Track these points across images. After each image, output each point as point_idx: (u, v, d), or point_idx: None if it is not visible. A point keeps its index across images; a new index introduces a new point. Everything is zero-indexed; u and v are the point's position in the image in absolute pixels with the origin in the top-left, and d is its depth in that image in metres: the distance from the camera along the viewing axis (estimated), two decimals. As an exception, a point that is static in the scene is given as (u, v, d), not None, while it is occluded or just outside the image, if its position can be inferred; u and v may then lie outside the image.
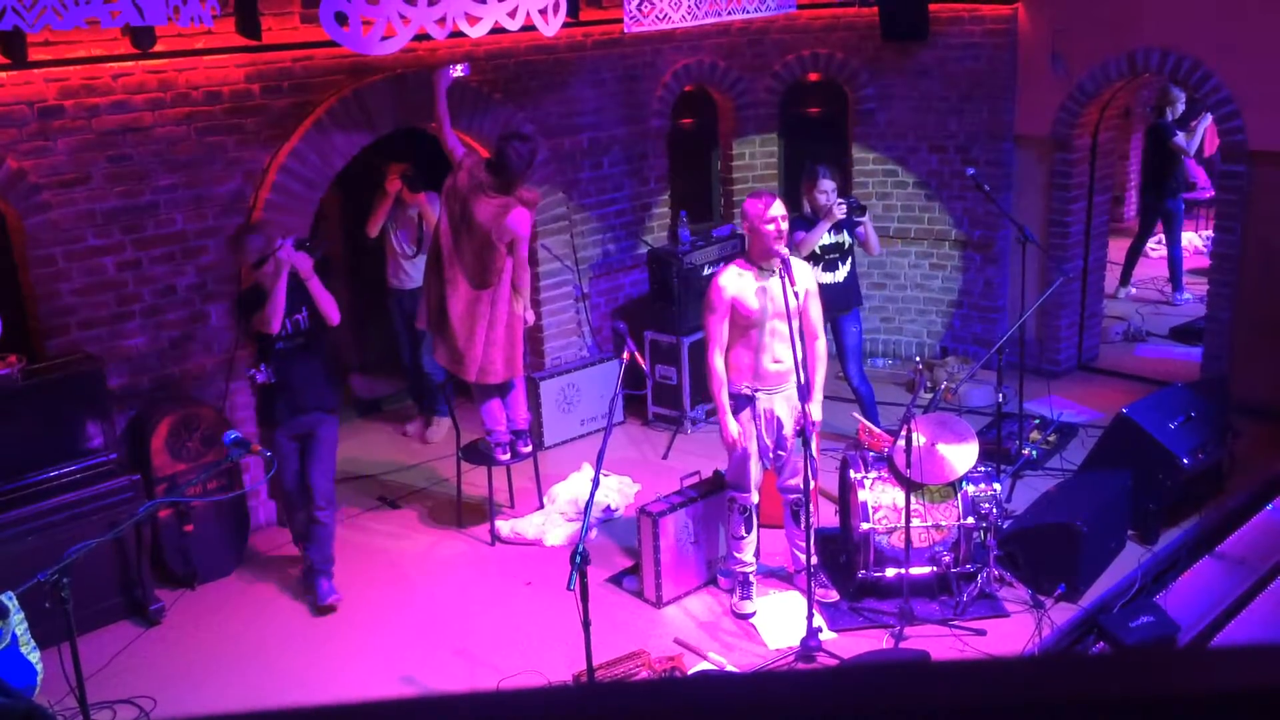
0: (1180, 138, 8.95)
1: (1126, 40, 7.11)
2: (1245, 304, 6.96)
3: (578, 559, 3.98)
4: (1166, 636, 5.05)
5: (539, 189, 6.46)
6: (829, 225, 6.28)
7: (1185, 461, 5.73)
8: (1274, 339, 6.82)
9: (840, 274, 6.53)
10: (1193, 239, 10.53)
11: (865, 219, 6.44)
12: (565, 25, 6.39)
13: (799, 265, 5.02)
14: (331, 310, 5.13)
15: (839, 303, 6.47)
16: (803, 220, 6.35)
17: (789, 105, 8.18)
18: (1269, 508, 6.18)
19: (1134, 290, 9.40)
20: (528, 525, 5.93)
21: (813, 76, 8.15)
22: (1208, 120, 8.89)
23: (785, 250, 4.88)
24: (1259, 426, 6.53)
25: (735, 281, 4.93)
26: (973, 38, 7.72)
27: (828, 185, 6.34)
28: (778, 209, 4.85)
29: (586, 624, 4.04)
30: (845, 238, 6.52)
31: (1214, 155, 9.60)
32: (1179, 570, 5.57)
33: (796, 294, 4.76)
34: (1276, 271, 6.78)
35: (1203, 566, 5.69)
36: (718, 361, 5.02)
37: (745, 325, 4.93)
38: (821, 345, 5.13)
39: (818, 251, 6.44)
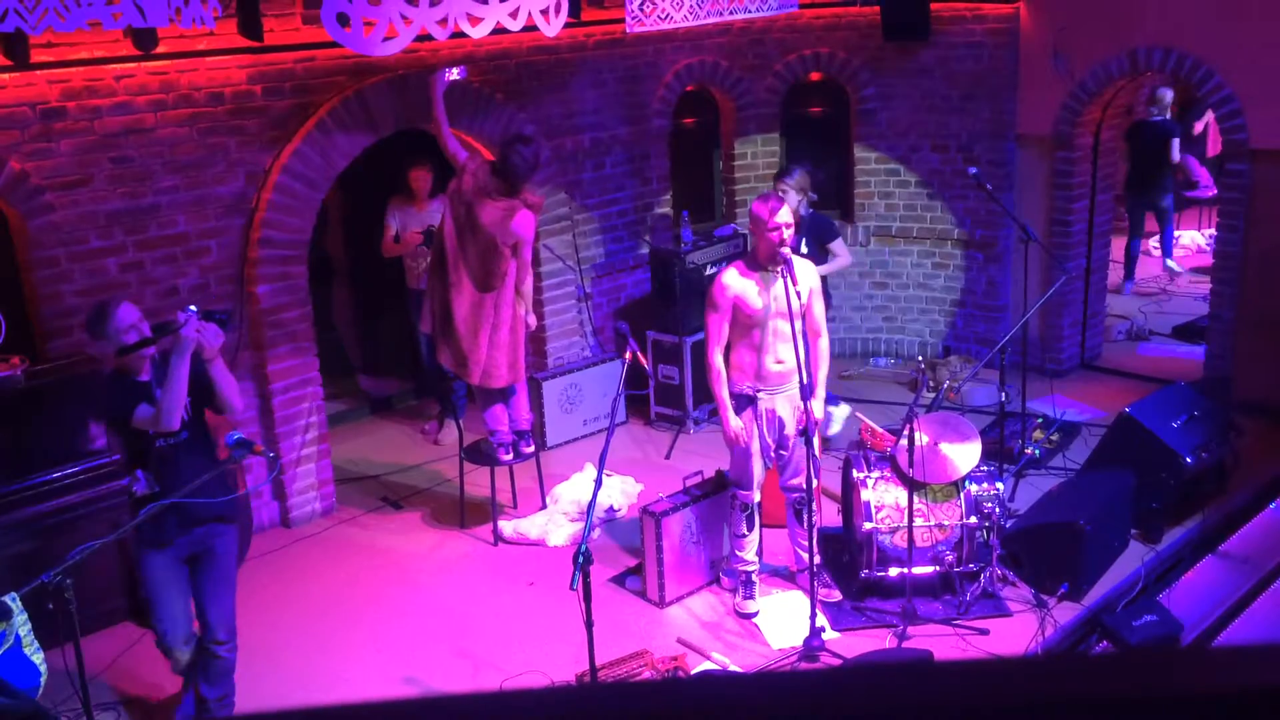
0: (1177, 146, 8.99)
1: (1128, 38, 7.11)
2: (1248, 302, 6.95)
3: (580, 559, 3.97)
4: (1169, 636, 5.04)
5: (542, 191, 6.46)
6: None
7: (1188, 460, 5.72)
8: (1277, 337, 6.81)
9: None
10: (1195, 237, 10.53)
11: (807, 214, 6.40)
12: (567, 26, 6.39)
13: (802, 264, 5.01)
14: (236, 397, 4.21)
15: None
16: None
17: (791, 105, 8.18)
18: (1272, 506, 6.17)
19: (1134, 285, 9.42)
20: (530, 525, 5.93)
21: (814, 76, 8.15)
22: (1206, 119, 8.92)
23: (788, 252, 4.88)
24: (1262, 425, 6.52)
25: (738, 281, 4.94)
26: (974, 36, 7.71)
27: (789, 182, 6.33)
28: (784, 215, 4.84)
29: (589, 624, 4.04)
30: (803, 248, 6.49)
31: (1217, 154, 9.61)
32: (1182, 569, 5.56)
33: (799, 293, 4.77)
34: (1279, 270, 6.77)
35: (1206, 565, 5.69)
36: (717, 359, 5.03)
37: (748, 325, 4.94)
38: (825, 344, 5.13)
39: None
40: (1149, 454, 5.75)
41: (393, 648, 5.04)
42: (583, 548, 3.95)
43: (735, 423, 5.02)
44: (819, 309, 5.07)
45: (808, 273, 5.00)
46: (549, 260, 7.08)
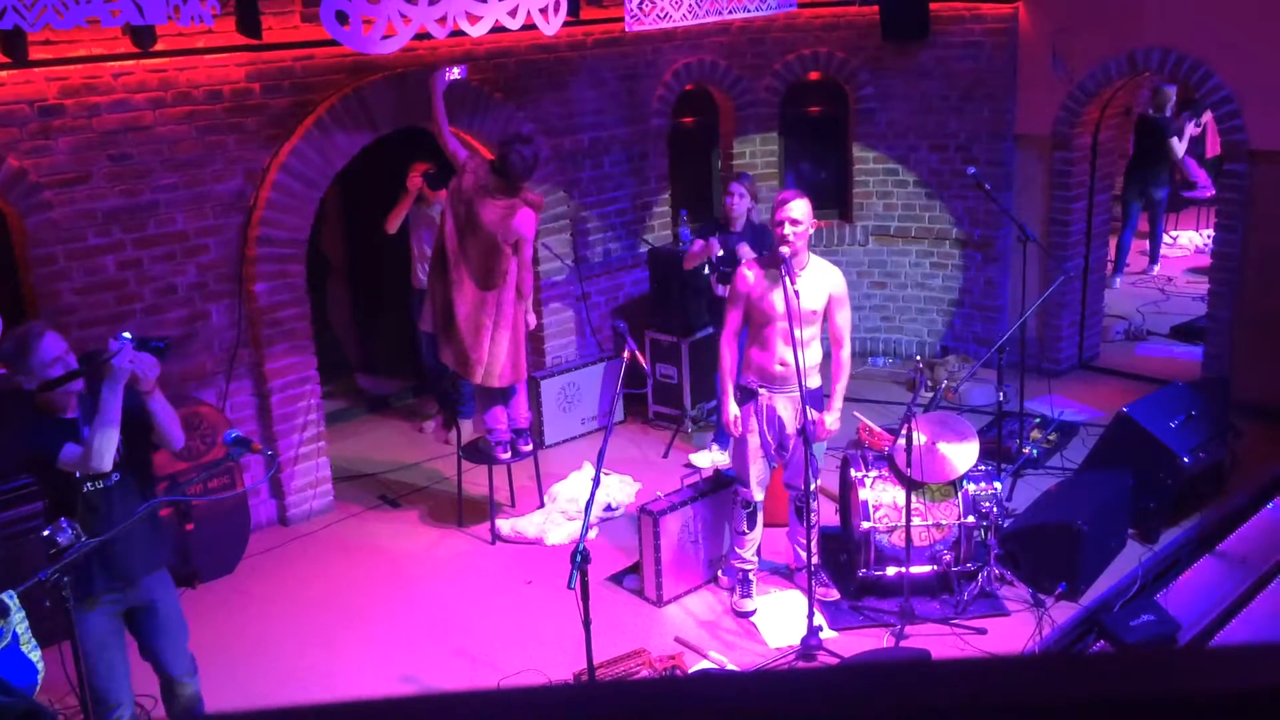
0: (1176, 142, 9.04)
1: (1127, 39, 7.11)
2: (1246, 303, 6.96)
3: (578, 558, 3.98)
4: (1167, 635, 5.05)
5: (542, 190, 6.46)
6: (708, 252, 6.25)
7: (1186, 460, 5.73)
8: (1275, 338, 6.82)
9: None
10: (1194, 238, 10.55)
11: (753, 212, 6.36)
12: (566, 24, 6.39)
13: (825, 268, 4.97)
14: (177, 430, 3.78)
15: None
16: (714, 226, 6.39)
17: (790, 104, 8.17)
18: (1269, 506, 6.18)
19: (1121, 278, 9.46)
20: (528, 524, 5.94)
21: (813, 75, 8.15)
22: (1200, 120, 8.95)
23: (786, 251, 4.89)
24: (1260, 425, 6.53)
25: (754, 275, 4.96)
26: (973, 36, 7.71)
27: (735, 189, 6.33)
28: (792, 210, 4.84)
29: (587, 623, 4.04)
30: (746, 249, 6.47)
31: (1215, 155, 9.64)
32: (1180, 569, 5.56)
33: (797, 293, 4.78)
34: (1277, 271, 6.77)
35: (1203, 565, 5.69)
36: (724, 347, 5.07)
37: (760, 321, 4.96)
38: (845, 354, 5.06)
39: (713, 262, 6.43)
40: (1147, 454, 5.76)
41: (390, 646, 5.04)
42: (580, 546, 3.95)
43: (733, 411, 5.04)
44: (842, 317, 4.99)
45: (828, 278, 4.95)
46: (547, 259, 7.07)
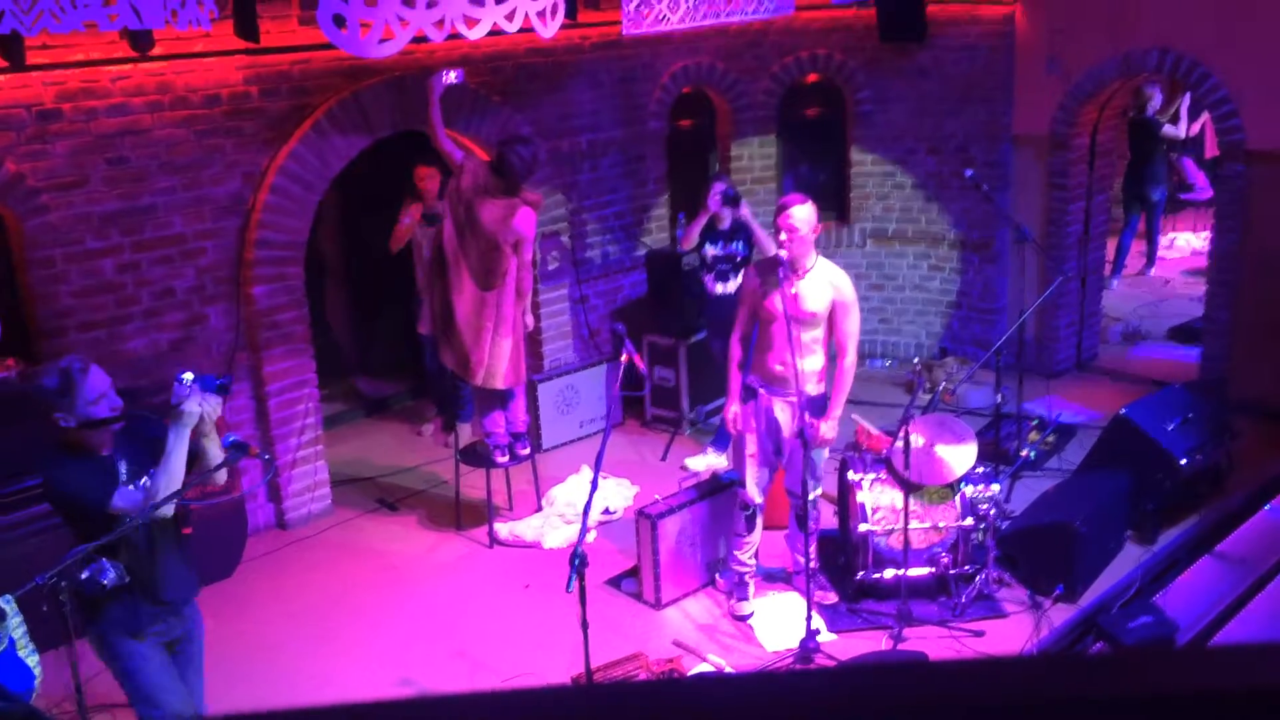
0: (1169, 128, 9.09)
1: (1123, 40, 7.12)
2: (1244, 304, 6.96)
3: (576, 561, 3.97)
4: (1165, 637, 5.04)
5: (540, 190, 6.46)
6: (705, 218, 6.37)
7: (1183, 462, 5.73)
8: (1272, 339, 6.82)
9: (732, 285, 6.48)
10: (1191, 239, 10.56)
11: (745, 216, 6.40)
12: (563, 27, 6.39)
13: (831, 274, 4.91)
14: (221, 473, 3.70)
15: (731, 315, 6.41)
16: (706, 228, 6.49)
17: (787, 107, 8.18)
18: (1267, 508, 6.17)
19: (1119, 279, 9.48)
20: (526, 528, 5.93)
21: (811, 78, 8.15)
22: (1188, 100, 8.98)
23: (783, 254, 4.89)
24: (1258, 426, 6.53)
25: (761, 275, 4.96)
26: (970, 39, 7.72)
27: (717, 187, 6.35)
28: (790, 215, 4.83)
29: (585, 626, 4.04)
30: (739, 248, 6.49)
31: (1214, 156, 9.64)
32: (1178, 570, 5.56)
33: (793, 296, 4.79)
34: (1275, 272, 6.78)
35: (1201, 566, 5.69)
36: (734, 344, 5.10)
37: (764, 321, 4.96)
38: (848, 363, 4.97)
39: (708, 261, 6.46)
40: (1144, 455, 5.76)
41: (388, 649, 5.03)
42: (578, 550, 3.95)
43: (733, 408, 5.05)
44: (848, 325, 4.92)
45: (833, 284, 4.90)
46: (546, 262, 7.08)
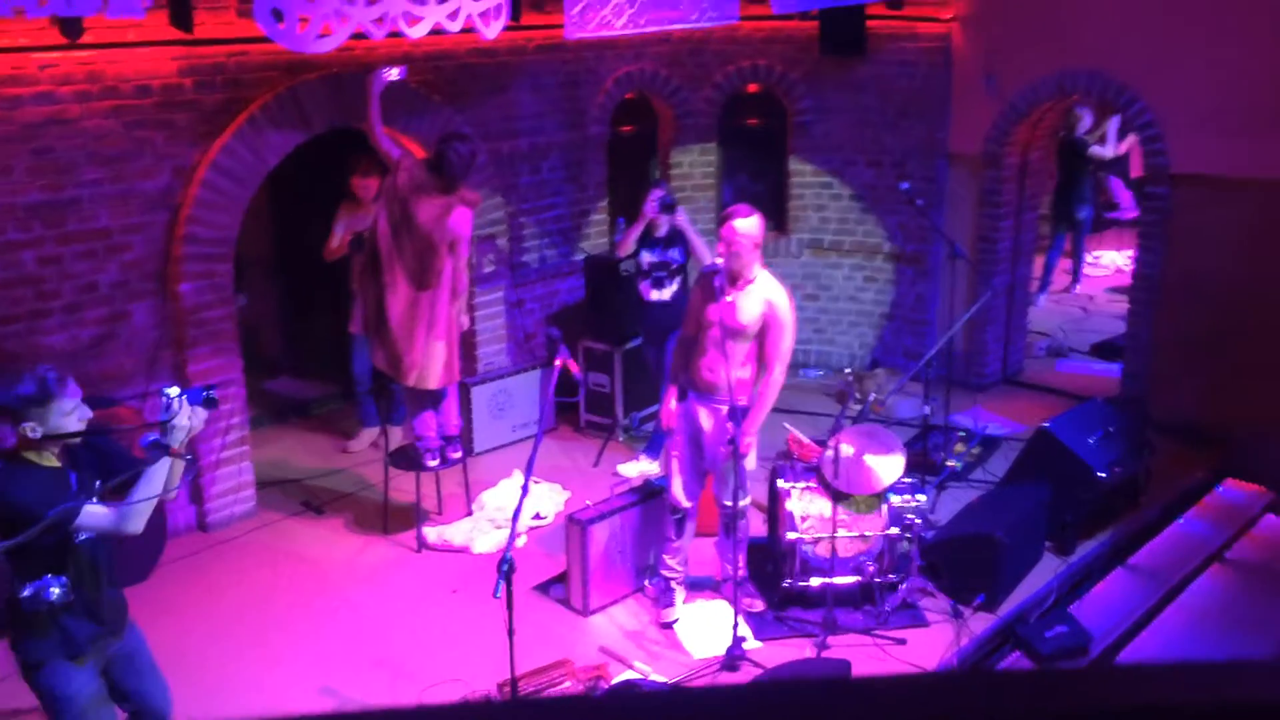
0: (1096, 148, 9.35)
1: (1057, 62, 7.29)
2: (1164, 323, 7.17)
3: (505, 567, 3.97)
4: (1079, 646, 5.18)
5: (479, 191, 6.44)
6: (642, 224, 6.41)
7: (1101, 475, 5.89)
8: (1191, 358, 7.03)
9: (667, 292, 6.55)
10: (1115, 258, 10.83)
11: (681, 223, 6.46)
12: (507, 29, 6.36)
13: (767, 289, 4.91)
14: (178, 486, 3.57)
15: (665, 322, 6.47)
16: (643, 235, 6.53)
17: (728, 116, 8.24)
18: (1180, 521, 6.37)
19: (1046, 296, 9.70)
20: (455, 532, 5.90)
21: (752, 88, 8.22)
22: (1116, 121, 9.24)
23: (719, 261, 4.95)
24: (1173, 442, 6.72)
25: (703, 282, 5.02)
26: (909, 55, 7.84)
27: (654, 194, 6.41)
28: (735, 226, 4.85)
29: (511, 633, 4.04)
30: (675, 256, 6.56)
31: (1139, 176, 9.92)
32: (1093, 581, 5.71)
33: (728, 305, 4.84)
34: (1195, 292, 6.98)
35: (1116, 578, 5.85)
36: (677, 346, 5.20)
37: (700, 328, 5.00)
38: (774, 379, 4.95)
39: (644, 268, 6.51)
40: (1065, 468, 5.90)
41: (310, 657, 4.97)
42: (506, 555, 3.94)
43: (668, 407, 5.11)
44: (779, 342, 4.92)
45: (767, 299, 4.90)
46: (482, 264, 7.05)
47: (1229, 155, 6.71)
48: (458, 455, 6.05)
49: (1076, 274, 10.10)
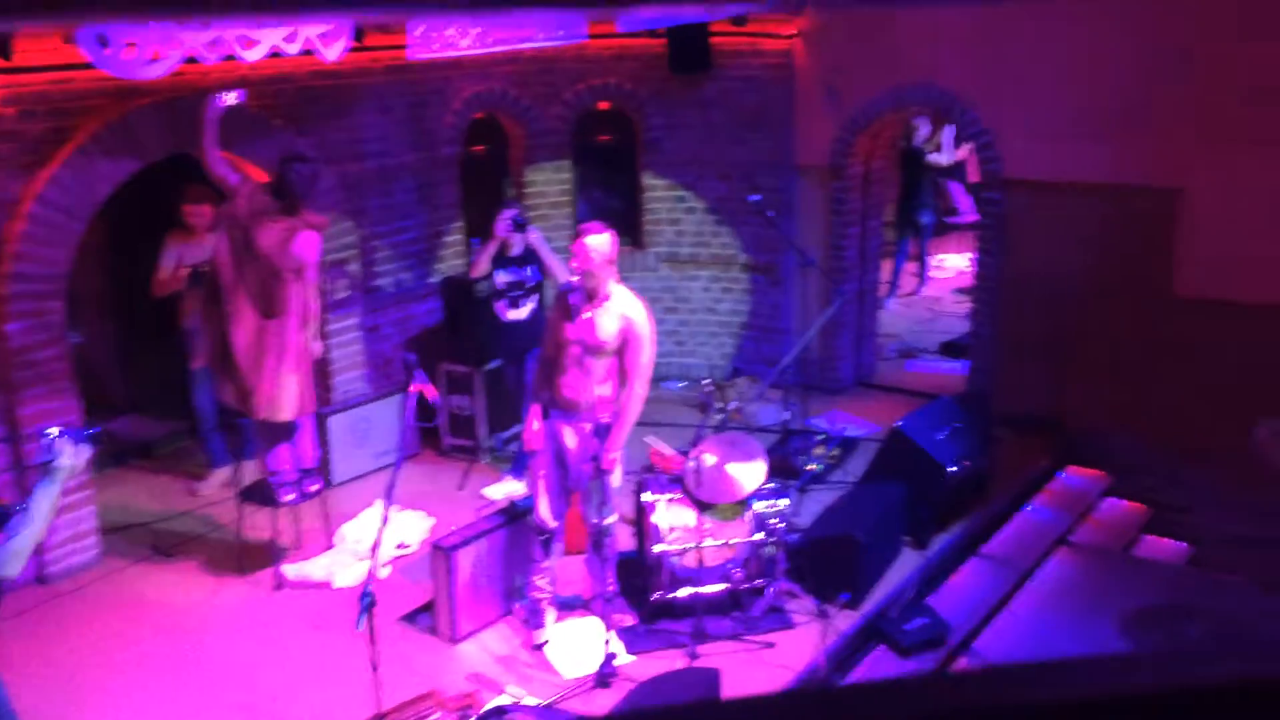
0: (933, 156, 9.78)
1: (893, 77, 7.58)
2: (1004, 321, 7.52)
3: (365, 599, 3.89)
4: (938, 637, 5.37)
5: (326, 215, 6.29)
6: (495, 244, 6.43)
7: (952, 470, 6.13)
8: (1030, 353, 7.38)
9: (524, 311, 6.59)
10: (957, 261, 11.32)
11: (534, 241, 6.52)
12: (351, 50, 6.26)
13: (626, 305, 4.92)
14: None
15: (524, 341, 6.52)
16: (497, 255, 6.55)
17: (581, 133, 8.28)
18: (1027, 509, 6.69)
19: (895, 300, 10.08)
20: (315, 567, 5.73)
21: (603, 105, 8.29)
22: (952, 130, 9.69)
23: (574, 278, 4.96)
24: (1016, 434, 7.04)
25: (560, 299, 5.02)
26: (753, 71, 8.04)
27: (505, 213, 6.45)
28: (588, 243, 4.86)
29: (375, 666, 3.95)
30: (530, 274, 6.60)
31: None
32: (949, 572, 5.93)
33: (584, 323, 4.85)
34: (1031, 291, 7.34)
35: (970, 567, 6.09)
36: (538, 366, 5.17)
37: (559, 346, 4.99)
38: (633, 394, 4.94)
39: (500, 288, 6.55)
40: (917, 465, 6.12)
41: (167, 707, 4.73)
42: (367, 588, 3.85)
43: (531, 427, 5.09)
44: (638, 357, 4.92)
45: (625, 315, 4.90)
46: (334, 290, 6.88)
47: (1056, 160, 7.09)
48: (316, 488, 5.87)
49: (922, 277, 10.51)
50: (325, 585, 5.64)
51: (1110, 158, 6.91)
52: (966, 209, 11.17)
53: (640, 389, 5.01)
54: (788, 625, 5.33)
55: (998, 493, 6.57)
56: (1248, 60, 6.38)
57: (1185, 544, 6.85)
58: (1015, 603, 5.99)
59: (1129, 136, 6.82)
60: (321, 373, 6.78)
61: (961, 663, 5.41)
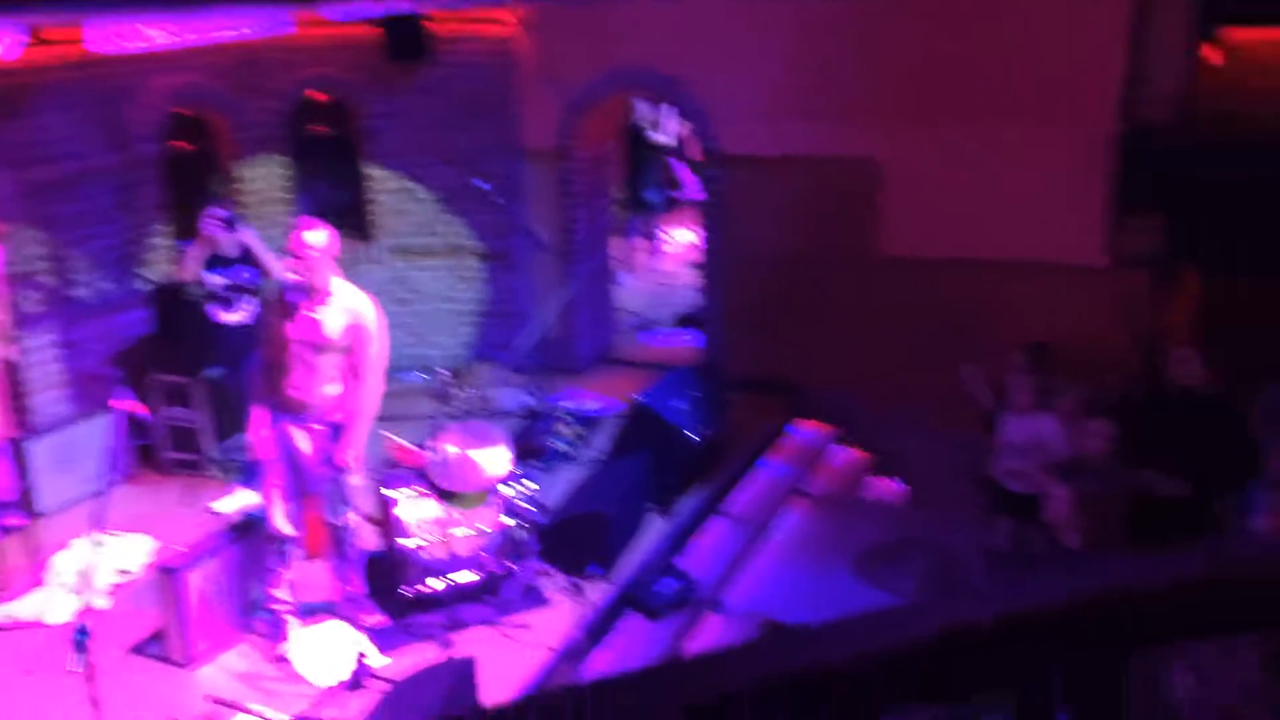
0: (655, 136, 10.11)
1: (611, 60, 7.74)
2: (731, 291, 7.86)
3: (78, 635, 3.61)
4: (687, 596, 5.57)
5: (6, 223, 5.73)
6: (204, 245, 6.27)
7: (691, 436, 6.36)
8: (756, 320, 7.76)
9: (240, 314, 6.43)
10: (687, 235, 11.71)
11: (247, 240, 6.36)
12: (27, 45, 5.70)
13: (351, 299, 4.80)
14: None
15: (243, 345, 6.32)
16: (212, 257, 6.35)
17: (298, 125, 7.95)
18: (763, 466, 7.04)
19: (628, 279, 10.33)
20: (24, 607, 5.22)
21: (320, 96, 7.99)
22: (672, 110, 10.02)
23: (293, 276, 4.79)
24: (747, 397, 7.38)
25: (277, 299, 4.83)
26: (474, 57, 7.98)
27: (211, 213, 6.28)
28: (304, 239, 4.71)
29: (96, 704, 3.66)
30: (245, 275, 6.42)
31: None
32: (694, 534, 6.16)
33: (311, 321, 4.70)
34: (749, 261, 7.70)
35: (714, 527, 6.36)
36: (258, 372, 4.93)
37: (282, 347, 4.80)
38: (366, 389, 4.84)
39: (215, 290, 6.37)
40: (659, 435, 6.32)
41: None
42: (80, 624, 3.57)
43: (259, 433, 4.88)
44: (367, 350, 4.81)
45: (352, 309, 4.79)
46: (26, 305, 6.28)
47: (769, 136, 7.47)
48: (17, 522, 5.36)
49: (654, 252, 10.81)
50: (37, 624, 5.16)
51: (817, 132, 7.35)
52: (691, 185, 11.56)
53: (373, 383, 4.90)
54: (543, 604, 5.37)
55: (735, 454, 6.87)
56: (931, 41, 6.93)
57: (904, 483, 7.44)
58: (758, 555, 6.31)
59: (833, 112, 7.28)
60: (15, 394, 6.17)
61: (710, 618, 5.64)
